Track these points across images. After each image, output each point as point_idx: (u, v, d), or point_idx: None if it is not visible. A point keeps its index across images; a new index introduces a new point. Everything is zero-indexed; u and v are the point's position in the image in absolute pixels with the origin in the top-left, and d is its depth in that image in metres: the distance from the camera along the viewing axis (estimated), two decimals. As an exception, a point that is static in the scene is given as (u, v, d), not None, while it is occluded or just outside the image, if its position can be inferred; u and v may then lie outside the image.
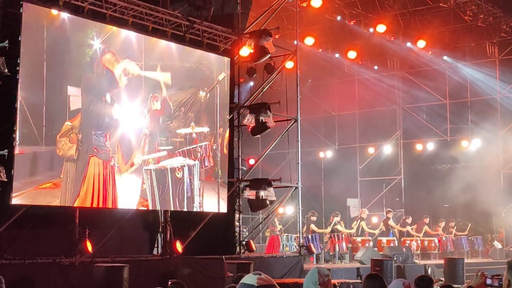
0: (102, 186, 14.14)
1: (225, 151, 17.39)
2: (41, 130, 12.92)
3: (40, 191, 12.93)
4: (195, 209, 16.55)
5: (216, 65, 17.16)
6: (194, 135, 16.64)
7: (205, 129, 16.93)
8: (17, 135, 12.39)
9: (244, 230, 21.16)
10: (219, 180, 17.15)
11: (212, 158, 16.96)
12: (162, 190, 15.73)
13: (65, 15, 13.55)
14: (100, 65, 14.20)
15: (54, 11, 13.37)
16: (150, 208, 15.52)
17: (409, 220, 24.02)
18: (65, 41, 13.63)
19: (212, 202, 16.90)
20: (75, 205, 13.57)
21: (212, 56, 17.06)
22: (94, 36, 14.06)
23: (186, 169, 16.41)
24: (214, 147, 17.04)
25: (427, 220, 24.41)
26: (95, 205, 14.00)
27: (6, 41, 12.09)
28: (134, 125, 15.12)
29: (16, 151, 12.37)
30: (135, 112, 15.13)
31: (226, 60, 17.46)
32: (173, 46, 16.12)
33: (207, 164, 16.80)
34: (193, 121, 16.52)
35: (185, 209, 16.24)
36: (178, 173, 16.22)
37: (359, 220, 23.45)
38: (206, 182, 16.76)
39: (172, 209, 15.95)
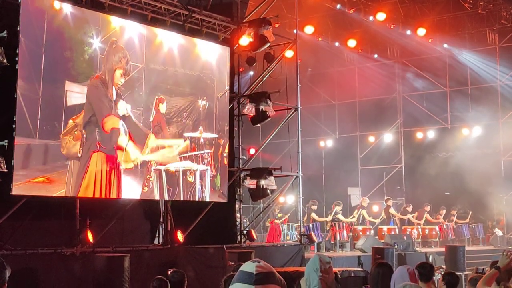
0: (105, 181, 14.16)
1: (225, 162, 17.25)
2: (36, 123, 12.85)
3: (34, 185, 12.88)
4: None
5: (218, 76, 17.05)
6: (202, 140, 16.58)
7: (214, 135, 16.87)
8: (13, 125, 12.34)
9: (245, 220, 21.16)
10: (220, 192, 17.06)
11: (214, 167, 16.88)
12: (173, 193, 15.75)
13: (67, 10, 13.52)
14: (103, 63, 14.22)
15: (57, 5, 13.32)
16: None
17: (410, 208, 24.02)
18: (65, 36, 13.57)
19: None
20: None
21: (214, 66, 16.98)
22: (94, 35, 14.03)
23: (198, 173, 16.37)
24: (215, 157, 16.94)
25: (427, 208, 24.42)
26: (97, 195, 14.08)
27: (5, 31, 12.05)
28: (139, 123, 15.13)
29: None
30: (140, 111, 15.14)
31: (227, 71, 17.35)
32: (175, 51, 16.02)
33: (209, 174, 16.71)
34: (192, 128, 16.43)
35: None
36: (190, 177, 16.17)
37: (360, 209, 23.46)
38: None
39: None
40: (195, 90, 16.55)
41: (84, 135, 13.85)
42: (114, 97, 14.56)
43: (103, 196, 14.22)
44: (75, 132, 13.66)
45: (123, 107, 14.74)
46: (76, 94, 13.75)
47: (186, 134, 16.21)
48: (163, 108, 15.69)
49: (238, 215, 18.34)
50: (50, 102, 13.26)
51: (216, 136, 16.95)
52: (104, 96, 14.34)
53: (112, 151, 14.45)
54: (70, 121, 13.58)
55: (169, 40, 15.94)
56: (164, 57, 15.81)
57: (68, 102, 13.54)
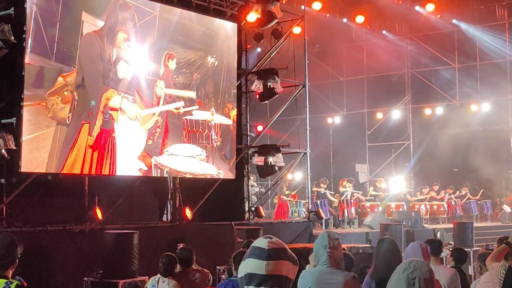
0: (96, 159, 13.31)
1: (231, 128, 16.99)
2: (53, 44, 12.44)
3: (41, 108, 12.28)
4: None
5: (233, 40, 17.07)
6: (213, 122, 16.30)
7: (228, 121, 16.69)
8: (29, 43, 12.08)
9: (259, 189, 21.16)
10: (222, 153, 16.79)
11: (220, 135, 16.62)
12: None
13: None
14: (105, 18, 13.62)
15: None
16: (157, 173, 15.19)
17: (426, 190, 24.18)
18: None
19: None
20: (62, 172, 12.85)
21: (230, 31, 16.99)
22: None
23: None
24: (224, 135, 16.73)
25: (436, 188, 24.46)
26: (86, 172, 13.24)
27: (12, 8, 11.97)
28: (144, 85, 14.60)
29: (26, 60, 12.07)
30: (145, 69, 14.61)
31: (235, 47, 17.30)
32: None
33: (215, 145, 16.47)
34: (196, 86, 16.02)
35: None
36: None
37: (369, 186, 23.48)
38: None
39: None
40: (205, 46, 16.38)
41: (76, 98, 12.77)
42: (114, 58, 13.68)
43: (92, 172, 13.42)
44: (65, 93, 12.54)
45: (124, 69, 13.85)
46: (91, 25, 13.30)
47: (197, 113, 15.88)
48: (172, 64, 15.22)
49: (255, 184, 18.33)
50: (67, 28, 12.81)
51: (230, 123, 16.75)
52: (98, 57, 13.36)
53: (108, 122, 13.58)
54: (60, 78, 12.56)
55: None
56: (181, 11, 15.69)
57: (84, 31, 13.14)
